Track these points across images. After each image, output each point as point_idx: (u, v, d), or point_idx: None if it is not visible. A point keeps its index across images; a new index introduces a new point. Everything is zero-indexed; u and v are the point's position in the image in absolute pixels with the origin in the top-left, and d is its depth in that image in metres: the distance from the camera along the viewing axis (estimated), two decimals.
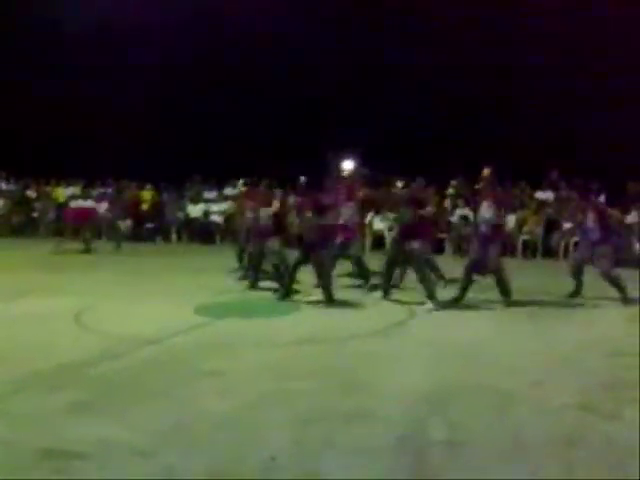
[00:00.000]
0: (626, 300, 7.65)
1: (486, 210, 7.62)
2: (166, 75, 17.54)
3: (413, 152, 14.98)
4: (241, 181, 11.57)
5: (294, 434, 3.71)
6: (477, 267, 7.66)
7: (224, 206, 15.73)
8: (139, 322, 6.61)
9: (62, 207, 15.49)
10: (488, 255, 7.52)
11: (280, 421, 3.90)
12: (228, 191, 16.30)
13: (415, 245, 7.55)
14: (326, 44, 16.32)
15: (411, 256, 7.61)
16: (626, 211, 12.23)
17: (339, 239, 8.72)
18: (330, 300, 7.60)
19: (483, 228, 7.63)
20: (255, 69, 17.22)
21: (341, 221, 8.81)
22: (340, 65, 16.67)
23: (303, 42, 16.06)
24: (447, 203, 14.26)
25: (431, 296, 7.44)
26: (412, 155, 14.67)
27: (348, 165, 17.99)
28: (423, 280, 7.54)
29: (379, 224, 14.00)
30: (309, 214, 8.09)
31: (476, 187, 8.22)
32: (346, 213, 8.96)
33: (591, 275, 8.09)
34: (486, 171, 7.84)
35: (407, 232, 7.66)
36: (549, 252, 12.71)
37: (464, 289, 7.72)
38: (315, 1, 16.69)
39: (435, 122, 16.03)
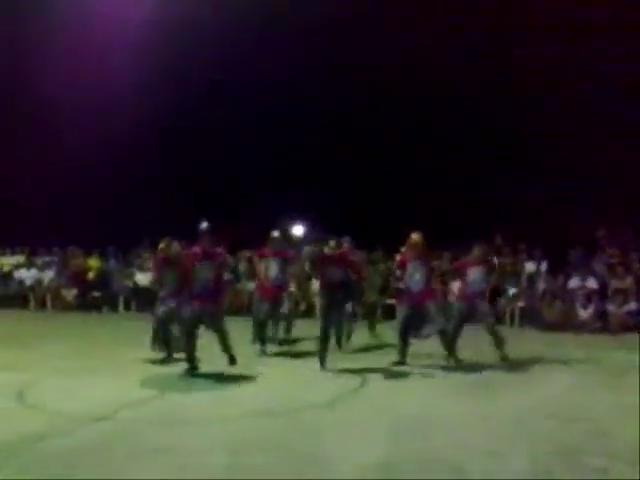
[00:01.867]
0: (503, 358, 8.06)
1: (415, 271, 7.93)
2: (114, 143, 17.57)
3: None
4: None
5: None
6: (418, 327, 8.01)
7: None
8: (85, 398, 6.39)
9: (6, 277, 15.11)
10: (429, 315, 7.84)
11: None
12: None
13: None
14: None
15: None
16: (568, 277, 12.61)
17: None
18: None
19: (415, 289, 7.91)
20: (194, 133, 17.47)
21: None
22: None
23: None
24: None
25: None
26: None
27: (298, 230, 18.17)
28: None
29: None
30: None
31: (402, 250, 8.47)
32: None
33: (538, 340, 8.27)
34: (415, 237, 8.08)
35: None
36: (495, 317, 12.90)
37: (404, 353, 8.02)
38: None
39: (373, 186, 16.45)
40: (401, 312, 8.41)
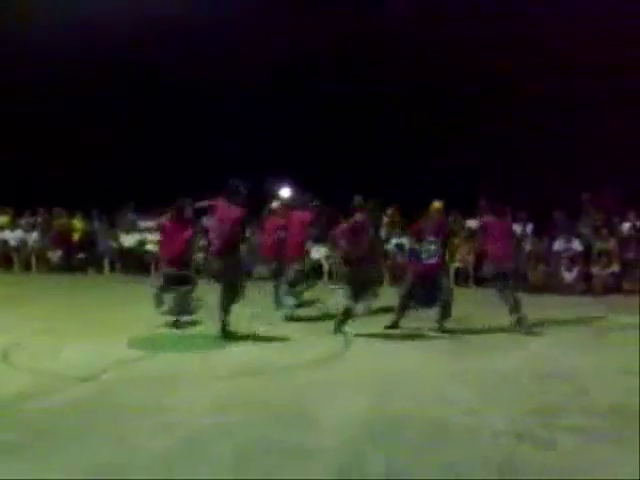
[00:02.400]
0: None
1: (430, 242, 7.75)
2: (105, 102, 17.32)
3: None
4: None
5: (233, 470, 3.67)
6: (421, 298, 7.86)
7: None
8: (71, 358, 6.41)
9: None
10: (439, 286, 7.73)
11: (218, 457, 3.85)
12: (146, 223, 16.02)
13: None
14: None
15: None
16: (553, 240, 12.69)
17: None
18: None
19: (428, 259, 7.76)
20: (186, 96, 17.20)
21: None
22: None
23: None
24: (383, 231, 14.45)
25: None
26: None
27: (285, 192, 18.11)
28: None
29: (317, 252, 14.06)
30: None
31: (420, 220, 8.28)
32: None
33: (522, 302, 8.33)
34: (437, 204, 7.97)
35: None
36: (481, 280, 13.01)
37: (399, 317, 7.93)
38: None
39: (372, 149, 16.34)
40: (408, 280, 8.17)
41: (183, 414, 4.66)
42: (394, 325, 7.94)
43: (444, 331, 7.71)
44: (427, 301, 7.87)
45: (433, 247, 7.77)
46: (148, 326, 8.10)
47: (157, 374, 5.90)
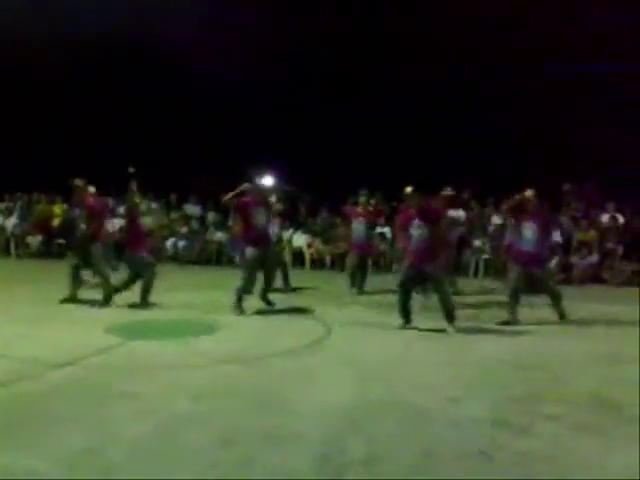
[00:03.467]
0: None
1: (417, 227, 7.36)
2: (100, 87, 17.11)
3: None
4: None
5: (213, 457, 3.65)
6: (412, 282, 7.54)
7: (145, 220, 15.45)
8: (48, 344, 6.34)
9: None
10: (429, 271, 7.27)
11: (197, 443, 3.83)
12: (144, 206, 15.96)
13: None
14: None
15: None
16: None
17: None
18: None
19: (418, 245, 7.32)
20: (173, 77, 17.05)
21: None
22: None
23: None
24: None
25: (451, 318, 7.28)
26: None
27: (267, 181, 18.03)
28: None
29: (299, 240, 14.07)
30: None
31: (394, 204, 8.21)
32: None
33: (502, 292, 8.40)
34: (409, 189, 7.78)
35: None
36: (461, 269, 13.08)
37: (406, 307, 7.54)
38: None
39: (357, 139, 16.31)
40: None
41: (162, 401, 4.63)
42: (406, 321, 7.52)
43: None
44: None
45: (419, 232, 7.30)
46: (126, 312, 8.06)
47: (135, 361, 5.86)
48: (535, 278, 7.77)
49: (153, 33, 15.54)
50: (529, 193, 7.88)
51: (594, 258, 11.90)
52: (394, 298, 7.71)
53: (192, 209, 16.05)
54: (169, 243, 15.00)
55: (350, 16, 16.29)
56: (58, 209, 15.72)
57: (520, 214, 7.91)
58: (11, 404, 4.55)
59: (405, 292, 7.38)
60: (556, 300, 7.87)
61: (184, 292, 9.93)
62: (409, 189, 7.77)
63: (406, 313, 7.42)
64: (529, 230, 7.76)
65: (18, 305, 8.53)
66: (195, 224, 15.40)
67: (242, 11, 16.29)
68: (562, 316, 7.81)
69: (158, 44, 15.69)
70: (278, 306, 8.66)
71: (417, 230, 7.33)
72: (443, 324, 7.27)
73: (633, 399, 4.71)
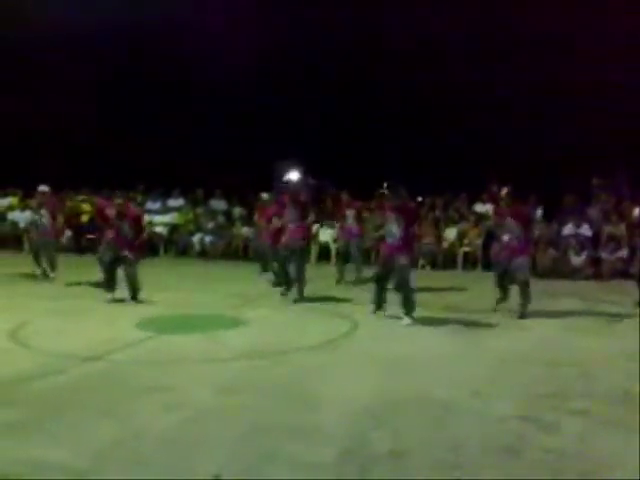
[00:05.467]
0: (523, 314, 7.76)
1: (392, 224, 7.57)
2: (104, 86, 17.30)
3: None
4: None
5: (237, 450, 3.69)
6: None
7: (168, 218, 15.60)
8: (79, 338, 6.45)
9: None
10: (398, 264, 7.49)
11: (223, 437, 3.87)
12: (172, 202, 16.13)
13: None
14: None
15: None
16: (562, 224, 12.62)
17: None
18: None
19: (391, 241, 7.56)
20: (192, 81, 17.15)
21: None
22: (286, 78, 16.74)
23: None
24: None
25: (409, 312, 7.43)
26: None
27: (293, 175, 18.10)
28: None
29: (325, 235, 14.06)
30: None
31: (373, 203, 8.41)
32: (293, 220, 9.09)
33: (531, 287, 8.30)
34: (385, 188, 8.02)
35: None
36: (489, 264, 12.97)
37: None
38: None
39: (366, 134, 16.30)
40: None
41: (187, 395, 4.68)
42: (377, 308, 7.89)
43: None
44: None
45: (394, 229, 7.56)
46: (155, 307, 8.14)
47: (163, 355, 5.92)
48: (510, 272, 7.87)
49: (183, 30, 15.72)
50: (503, 191, 7.97)
51: (624, 252, 11.71)
52: (418, 295, 7.77)
53: (218, 204, 16.14)
54: (196, 238, 15.11)
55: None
56: (87, 205, 15.93)
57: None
58: (42, 397, 4.63)
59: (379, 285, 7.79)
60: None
61: (212, 287, 10.01)
62: (385, 188, 8.01)
63: (379, 302, 7.83)
64: (509, 227, 7.91)
65: (49, 299, 8.67)
66: (221, 219, 15.48)
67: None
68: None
69: (186, 42, 15.86)
70: (305, 301, 8.68)
71: (391, 226, 7.53)
72: (461, 321, 7.41)
73: None
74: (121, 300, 8.48)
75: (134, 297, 8.50)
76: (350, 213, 11.17)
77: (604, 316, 7.86)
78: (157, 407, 4.40)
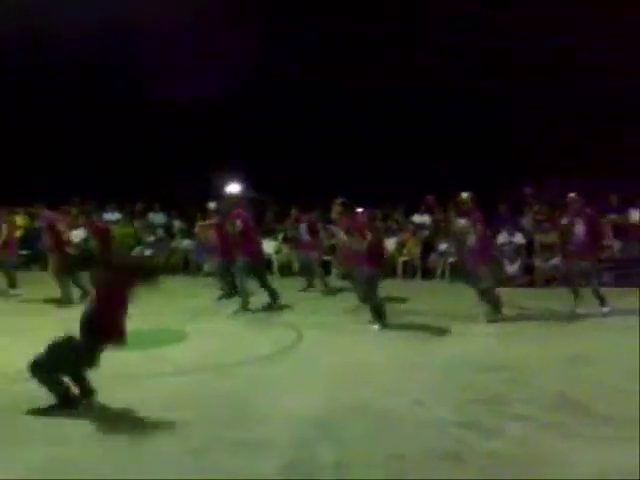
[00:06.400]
0: (494, 320, 8.07)
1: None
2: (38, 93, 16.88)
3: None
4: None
5: (181, 466, 3.66)
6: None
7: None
8: (15, 355, 6.24)
9: None
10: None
11: (166, 453, 3.84)
12: (107, 216, 15.81)
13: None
14: None
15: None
16: (496, 233, 12.98)
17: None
18: None
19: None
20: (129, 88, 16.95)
21: None
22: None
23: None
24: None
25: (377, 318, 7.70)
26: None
27: (234, 188, 18.02)
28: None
29: (267, 247, 14.05)
30: None
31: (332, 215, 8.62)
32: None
33: (466, 294, 8.53)
34: (337, 202, 8.29)
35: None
36: (427, 272, 13.24)
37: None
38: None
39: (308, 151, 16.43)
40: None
41: (131, 411, 4.61)
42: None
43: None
44: None
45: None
46: None
47: (104, 371, 5.79)
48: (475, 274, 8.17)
49: (119, 43, 15.49)
50: (465, 195, 8.23)
51: (556, 260, 12.13)
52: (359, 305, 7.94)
53: (157, 217, 15.94)
54: (135, 252, 14.85)
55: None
56: (21, 220, 15.48)
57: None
58: None
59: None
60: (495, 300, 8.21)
61: (152, 301, 9.84)
62: (338, 203, 8.26)
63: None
64: (471, 232, 8.15)
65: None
66: (161, 232, 15.29)
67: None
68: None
69: (121, 54, 15.65)
70: (248, 313, 8.68)
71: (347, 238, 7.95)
72: (403, 329, 7.63)
73: (599, 398, 4.84)
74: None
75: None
76: (303, 226, 11.41)
77: (539, 322, 8.13)
78: (101, 424, 4.33)
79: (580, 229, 8.74)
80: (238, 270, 9.00)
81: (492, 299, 8.15)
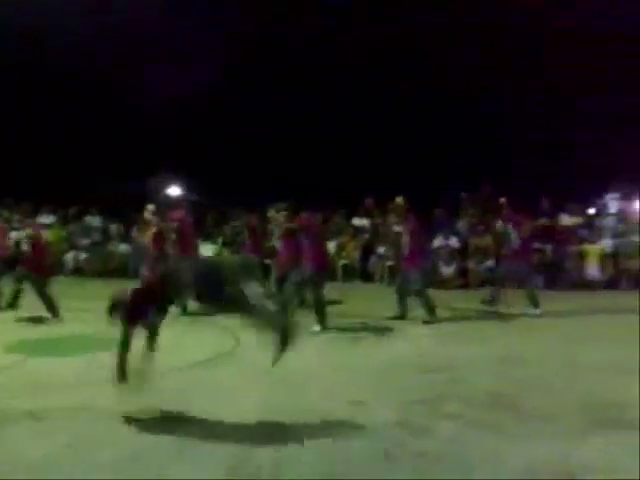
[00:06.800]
0: (430, 321, 8.28)
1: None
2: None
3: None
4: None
5: (118, 474, 3.61)
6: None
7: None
8: None
9: None
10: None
11: (103, 462, 3.77)
12: (42, 219, 15.40)
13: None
14: None
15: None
16: (432, 237, 13.25)
17: None
18: None
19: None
20: (64, 90, 16.57)
21: None
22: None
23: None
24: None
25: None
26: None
27: (174, 191, 17.83)
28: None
29: (206, 251, 13.94)
30: None
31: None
32: None
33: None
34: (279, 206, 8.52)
35: None
36: (367, 275, 13.41)
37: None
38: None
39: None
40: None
41: (66, 420, 4.51)
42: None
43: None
44: None
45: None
46: (27, 329, 7.76)
47: (37, 379, 5.66)
48: (408, 278, 8.42)
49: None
50: (398, 200, 8.45)
51: (489, 263, 12.47)
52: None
53: (93, 221, 15.60)
54: (70, 256, 14.52)
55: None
56: None
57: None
58: None
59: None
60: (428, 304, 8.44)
61: (88, 305, 9.62)
62: (279, 208, 8.48)
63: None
64: (402, 234, 8.46)
65: None
66: (97, 236, 14.98)
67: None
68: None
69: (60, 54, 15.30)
70: (187, 317, 8.59)
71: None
72: (342, 331, 7.75)
73: (528, 397, 5.01)
74: None
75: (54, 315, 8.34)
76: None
77: (473, 323, 8.35)
78: (32, 434, 4.22)
79: (512, 233, 9.05)
80: None
81: (426, 302, 8.33)
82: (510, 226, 9.10)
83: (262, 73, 16.44)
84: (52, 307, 8.38)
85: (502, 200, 9.46)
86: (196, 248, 9.79)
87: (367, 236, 13.94)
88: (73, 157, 16.63)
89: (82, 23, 14.76)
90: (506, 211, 9.29)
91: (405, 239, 8.36)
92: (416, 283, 8.32)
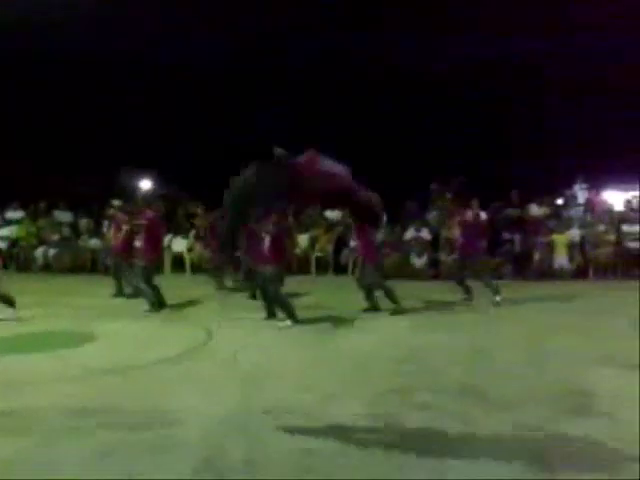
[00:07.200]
0: (398, 311, 8.38)
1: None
2: None
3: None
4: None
5: (89, 471, 3.60)
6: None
7: (6, 231, 14.69)
8: None
9: None
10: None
11: (76, 457, 3.76)
12: (10, 214, 15.20)
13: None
14: None
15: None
16: (404, 228, 13.36)
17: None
18: None
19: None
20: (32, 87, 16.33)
21: None
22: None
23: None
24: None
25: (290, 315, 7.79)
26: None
27: (145, 184, 17.65)
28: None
29: (179, 245, 13.89)
30: None
31: None
32: None
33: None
34: None
35: None
36: (340, 268, 13.46)
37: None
38: None
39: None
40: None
41: (36, 418, 4.48)
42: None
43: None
44: None
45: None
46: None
47: (8, 377, 5.61)
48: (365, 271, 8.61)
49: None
50: None
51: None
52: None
53: (62, 215, 15.42)
54: (39, 252, 14.35)
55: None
56: None
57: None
58: None
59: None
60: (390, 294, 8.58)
61: (59, 301, 9.58)
62: None
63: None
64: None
65: None
66: (66, 231, 14.81)
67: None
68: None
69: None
70: (158, 312, 8.58)
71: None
72: (315, 324, 7.79)
73: (495, 385, 5.11)
74: None
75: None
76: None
77: (444, 314, 8.45)
78: (4, 431, 4.19)
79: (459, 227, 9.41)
80: (137, 273, 8.93)
81: (389, 294, 8.45)
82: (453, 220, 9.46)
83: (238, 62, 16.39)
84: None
85: (448, 195, 9.79)
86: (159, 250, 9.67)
87: (340, 229, 13.98)
88: (42, 150, 16.40)
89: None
90: (448, 204, 9.64)
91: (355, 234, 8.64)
92: (371, 277, 8.46)
